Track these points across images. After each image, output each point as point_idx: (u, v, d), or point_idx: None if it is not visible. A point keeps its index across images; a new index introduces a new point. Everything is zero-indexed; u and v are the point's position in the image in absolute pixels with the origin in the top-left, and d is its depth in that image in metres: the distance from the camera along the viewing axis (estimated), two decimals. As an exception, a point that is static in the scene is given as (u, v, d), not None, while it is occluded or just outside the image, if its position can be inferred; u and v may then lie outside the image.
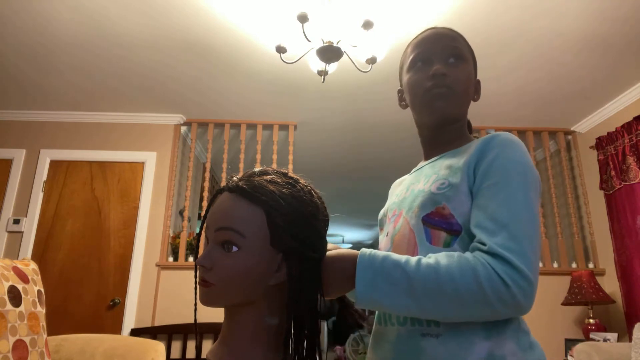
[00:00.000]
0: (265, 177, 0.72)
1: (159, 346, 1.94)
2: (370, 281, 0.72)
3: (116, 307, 3.36)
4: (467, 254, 0.71)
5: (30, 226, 3.49)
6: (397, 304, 0.71)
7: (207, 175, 3.85)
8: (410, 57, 0.94)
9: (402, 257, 0.73)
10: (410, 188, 0.91)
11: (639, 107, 3.29)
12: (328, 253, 0.76)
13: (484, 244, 0.71)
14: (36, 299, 1.51)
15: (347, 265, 0.75)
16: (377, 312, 0.89)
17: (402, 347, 0.78)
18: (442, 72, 0.88)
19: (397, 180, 1.10)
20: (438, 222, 0.79)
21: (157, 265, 3.47)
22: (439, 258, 0.71)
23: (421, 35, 0.96)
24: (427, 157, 0.98)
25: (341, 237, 10.61)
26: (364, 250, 0.75)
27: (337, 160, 4.97)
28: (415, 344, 0.76)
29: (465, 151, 0.86)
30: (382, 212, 1.02)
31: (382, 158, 4.86)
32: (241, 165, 3.83)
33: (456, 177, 0.81)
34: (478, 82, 0.97)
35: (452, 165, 0.84)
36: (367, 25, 2.24)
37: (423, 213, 0.82)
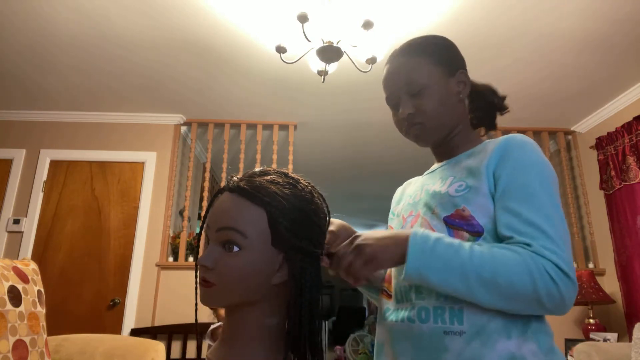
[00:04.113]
0: (266, 177, 0.72)
1: (159, 346, 1.94)
2: (421, 256, 0.74)
3: (116, 307, 3.36)
4: (519, 249, 0.74)
5: (30, 226, 3.49)
6: (445, 283, 0.73)
7: (207, 175, 3.85)
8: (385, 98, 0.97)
9: (455, 240, 0.76)
10: (425, 189, 0.93)
11: (639, 107, 3.29)
12: (368, 234, 0.78)
13: (529, 245, 0.74)
14: (36, 299, 1.51)
15: (399, 240, 0.76)
16: (392, 309, 0.89)
17: (424, 345, 0.79)
18: (407, 113, 0.90)
19: (407, 182, 1.10)
20: (459, 223, 0.81)
21: (157, 265, 3.46)
22: (492, 248, 0.74)
23: (384, 71, 0.97)
24: (439, 160, 1.00)
25: (341, 237, 10.59)
26: (416, 230, 0.77)
27: (338, 160, 4.96)
28: (439, 342, 0.77)
29: (480, 153, 0.87)
30: (394, 213, 1.03)
31: (382, 158, 4.86)
32: (241, 165, 3.83)
33: (475, 180, 0.83)
34: (461, 73, 0.93)
35: (469, 167, 0.86)
36: (367, 25, 2.24)
37: (444, 214, 0.83)
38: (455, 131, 0.95)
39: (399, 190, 1.11)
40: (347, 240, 0.79)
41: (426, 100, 0.89)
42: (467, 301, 0.76)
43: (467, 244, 0.75)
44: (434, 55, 0.92)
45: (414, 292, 0.84)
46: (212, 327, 2.70)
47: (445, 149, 0.97)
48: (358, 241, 0.77)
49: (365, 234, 0.78)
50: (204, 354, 3.23)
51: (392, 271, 0.94)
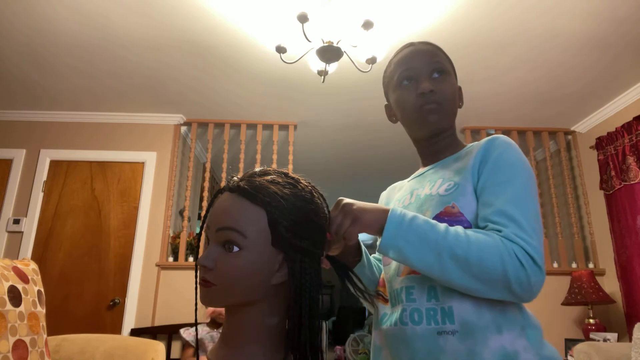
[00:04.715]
0: (266, 177, 0.72)
1: (159, 346, 1.94)
2: (398, 227, 0.76)
3: (116, 307, 3.36)
4: (491, 233, 0.76)
5: (30, 226, 3.49)
6: (419, 257, 0.75)
7: (207, 175, 3.85)
8: (395, 76, 0.98)
9: (431, 220, 0.78)
10: (415, 193, 0.95)
11: (639, 107, 3.29)
12: (351, 200, 0.80)
13: (499, 231, 0.77)
14: (36, 299, 1.51)
15: (381, 209, 0.79)
16: (389, 314, 0.89)
17: (419, 347, 0.80)
18: (430, 89, 0.92)
19: (391, 187, 1.13)
20: (448, 221, 0.82)
21: (157, 265, 3.46)
22: (467, 230, 0.77)
23: (401, 52, 1.00)
24: (425, 164, 1.02)
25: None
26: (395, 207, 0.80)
27: (338, 160, 4.96)
28: (433, 343, 0.78)
29: (467, 155, 0.91)
30: None
31: (382, 157, 4.86)
32: (241, 165, 3.83)
33: (462, 179, 0.86)
34: (459, 88, 1.02)
35: (458, 168, 0.89)
36: (367, 25, 2.24)
37: (434, 214, 0.85)
38: (447, 133, 0.98)
39: (384, 195, 1.13)
40: (334, 205, 0.81)
41: (446, 85, 0.95)
42: (456, 299, 0.78)
43: (442, 224, 0.78)
44: (450, 60, 1.01)
45: (405, 293, 0.85)
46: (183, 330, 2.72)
47: (433, 150, 0.99)
48: (345, 202, 0.79)
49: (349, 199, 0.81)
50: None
51: (384, 274, 0.95)
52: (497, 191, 0.81)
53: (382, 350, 0.91)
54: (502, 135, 0.89)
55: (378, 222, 0.78)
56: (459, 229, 0.77)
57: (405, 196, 0.97)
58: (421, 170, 1.02)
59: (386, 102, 1.07)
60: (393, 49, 2.84)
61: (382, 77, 1.01)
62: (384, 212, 0.78)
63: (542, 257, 0.75)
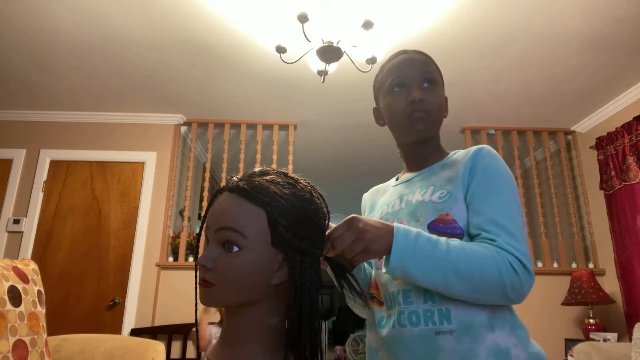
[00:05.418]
0: (265, 177, 0.72)
1: (159, 346, 1.94)
2: (404, 249, 0.78)
3: (116, 307, 3.36)
4: (486, 244, 0.82)
5: (30, 226, 3.49)
6: (424, 275, 0.78)
7: (207, 175, 3.85)
8: (387, 82, 1.01)
9: (432, 236, 0.81)
10: (405, 199, 0.97)
11: (639, 107, 3.29)
12: (364, 219, 0.79)
13: (493, 240, 0.82)
14: (36, 299, 1.51)
15: (388, 230, 0.79)
16: (385, 317, 0.91)
17: (417, 347, 0.82)
18: (419, 98, 0.95)
19: (374, 190, 1.14)
20: (442, 228, 0.86)
21: (157, 265, 3.46)
22: (464, 243, 0.82)
23: (394, 59, 1.03)
24: (411, 170, 1.05)
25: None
26: (397, 224, 0.82)
27: (338, 160, 4.96)
28: (432, 343, 0.81)
29: (455, 163, 0.95)
30: None
31: (382, 157, 4.86)
32: (241, 165, 3.83)
33: (454, 187, 0.90)
34: (445, 99, 1.05)
35: (447, 177, 0.93)
36: (367, 25, 2.24)
37: (428, 221, 0.88)
38: (432, 141, 1.02)
39: (367, 197, 1.15)
40: (344, 222, 0.77)
41: (435, 95, 0.98)
42: (452, 301, 0.82)
43: (442, 239, 0.81)
44: (439, 70, 1.04)
45: (402, 296, 0.87)
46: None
47: (419, 156, 1.02)
48: (360, 226, 0.76)
49: (362, 217, 0.78)
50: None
51: (375, 277, 0.96)
52: (487, 200, 0.87)
53: (379, 352, 0.92)
54: (486, 146, 0.94)
55: (385, 247, 0.79)
56: (456, 242, 0.81)
57: (394, 201, 0.99)
58: (408, 175, 1.04)
59: (375, 106, 1.10)
60: (393, 49, 2.84)
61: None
62: (391, 236, 0.79)
63: (530, 261, 0.81)
